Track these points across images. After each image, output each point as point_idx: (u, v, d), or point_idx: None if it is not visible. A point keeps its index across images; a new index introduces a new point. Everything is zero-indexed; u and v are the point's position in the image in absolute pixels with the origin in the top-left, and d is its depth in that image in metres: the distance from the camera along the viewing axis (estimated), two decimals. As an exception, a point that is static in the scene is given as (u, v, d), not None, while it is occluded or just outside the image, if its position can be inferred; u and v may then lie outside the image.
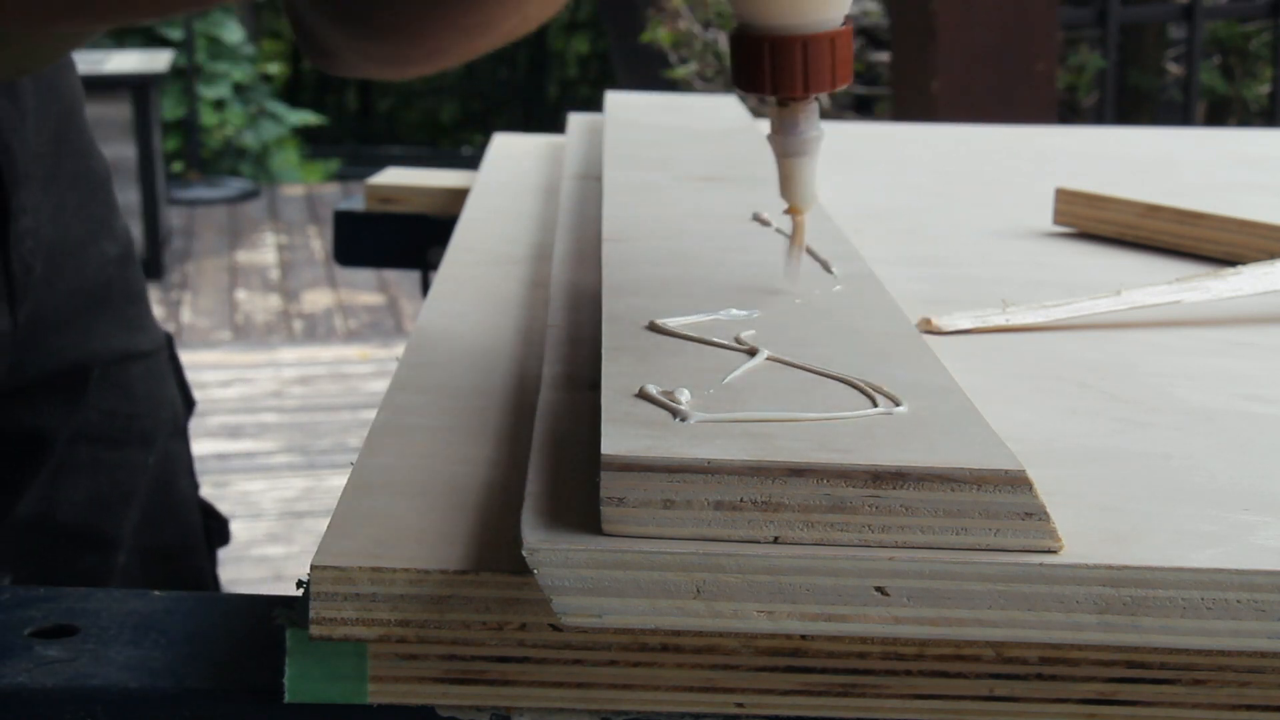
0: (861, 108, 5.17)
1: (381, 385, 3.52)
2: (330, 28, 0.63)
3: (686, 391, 0.45)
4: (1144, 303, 0.67)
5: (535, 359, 0.59)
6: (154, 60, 5.31)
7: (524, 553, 0.39)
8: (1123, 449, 0.50)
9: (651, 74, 4.92)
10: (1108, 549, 0.40)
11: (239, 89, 7.10)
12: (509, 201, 0.94)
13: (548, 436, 0.47)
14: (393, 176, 1.19)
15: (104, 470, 0.88)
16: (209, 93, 6.94)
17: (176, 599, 0.49)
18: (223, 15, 6.84)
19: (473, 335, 0.63)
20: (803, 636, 0.41)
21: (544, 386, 0.52)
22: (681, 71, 4.88)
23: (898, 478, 0.40)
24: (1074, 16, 3.46)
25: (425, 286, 1.12)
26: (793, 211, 0.58)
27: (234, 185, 6.54)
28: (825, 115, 4.96)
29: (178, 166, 6.62)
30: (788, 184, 0.58)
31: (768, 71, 0.54)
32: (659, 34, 4.98)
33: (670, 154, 0.90)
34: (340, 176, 7.79)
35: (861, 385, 0.46)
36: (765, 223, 0.70)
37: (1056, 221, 0.87)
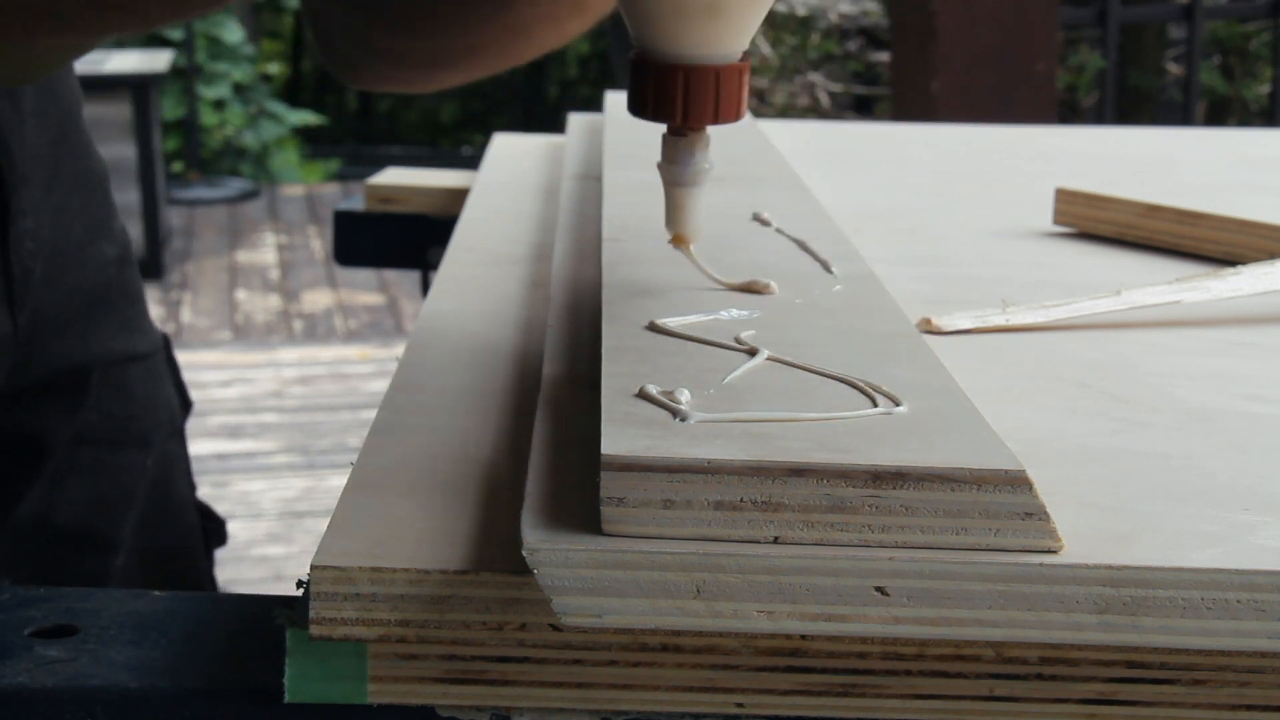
0: (861, 108, 5.17)
1: (381, 385, 3.52)
2: (363, 29, 0.62)
3: (686, 391, 0.45)
4: (1144, 303, 0.67)
5: (535, 359, 0.59)
6: (154, 60, 5.32)
7: (524, 553, 0.39)
8: (1123, 449, 0.50)
9: (651, 74, 4.90)
10: (1108, 549, 0.40)
11: (239, 89, 7.10)
12: (509, 201, 0.94)
13: (548, 436, 0.47)
14: (393, 176, 1.19)
15: (104, 472, 0.88)
16: (209, 93, 6.95)
17: (176, 599, 0.49)
18: (223, 15, 6.84)
19: (473, 335, 0.63)
20: (803, 636, 0.41)
21: (544, 386, 0.52)
22: (681, 71, 4.87)
23: (898, 478, 0.40)
24: (1074, 16, 3.46)
25: (425, 286, 1.12)
26: (679, 242, 0.57)
27: (234, 185, 6.54)
28: (825, 115, 4.96)
29: (178, 166, 6.62)
30: (678, 213, 0.56)
31: (680, 102, 0.53)
32: (659, 34, 4.97)
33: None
34: (340, 176, 7.79)
35: (861, 385, 0.46)
36: (765, 222, 0.70)
37: (1056, 221, 0.87)
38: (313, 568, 0.41)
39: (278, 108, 7.33)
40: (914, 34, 2.92)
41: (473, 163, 1.29)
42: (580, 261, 0.70)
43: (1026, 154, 1.19)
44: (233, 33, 6.98)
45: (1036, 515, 0.40)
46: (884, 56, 4.92)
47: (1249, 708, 0.42)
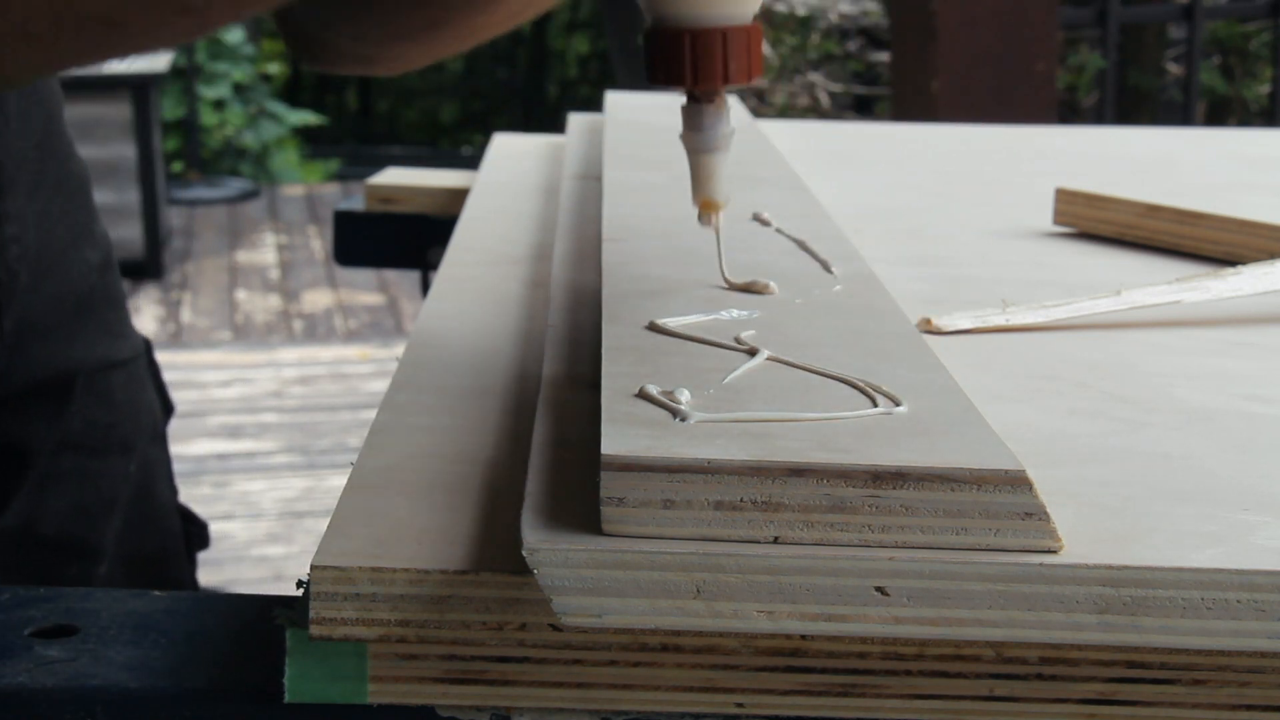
0: (861, 108, 5.17)
1: (381, 385, 3.52)
2: (321, 5, 0.61)
3: (686, 391, 0.45)
4: (1144, 303, 0.67)
5: (535, 359, 0.59)
6: (154, 60, 5.31)
7: (524, 553, 0.39)
8: (1123, 449, 0.50)
9: (652, 74, 4.90)
10: (1107, 549, 0.40)
11: (239, 89, 7.10)
12: (509, 201, 0.94)
13: (548, 436, 0.47)
14: (393, 176, 1.19)
15: (87, 479, 0.87)
16: (209, 93, 6.94)
17: (176, 599, 0.49)
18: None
19: (473, 335, 0.63)
20: (802, 636, 0.41)
21: (544, 386, 0.52)
22: (681, 72, 4.87)
23: (898, 478, 0.40)
24: (1074, 16, 3.46)
25: (425, 286, 1.12)
26: (709, 208, 0.57)
27: (234, 185, 6.54)
28: (825, 115, 4.96)
29: (178, 166, 6.62)
30: (706, 181, 0.57)
31: (688, 64, 0.54)
32: (659, 34, 4.97)
33: (670, 154, 0.89)
34: (340, 176, 7.79)
35: (861, 385, 0.46)
36: (765, 222, 0.70)
37: (1056, 221, 0.87)
38: (312, 568, 0.41)
39: (278, 108, 7.33)
40: (914, 34, 2.92)
41: (473, 163, 1.29)
42: (580, 261, 0.70)
43: (1026, 154, 1.19)
44: (233, 33, 6.98)
45: (1036, 515, 0.40)
46: (884, 56, 4.92)
47: (1249, 708, 0.42)
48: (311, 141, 8.36)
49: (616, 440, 0.41)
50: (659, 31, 0.54)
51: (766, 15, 5.06)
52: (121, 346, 0.91)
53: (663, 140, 0.95)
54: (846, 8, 5.15)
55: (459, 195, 1.10)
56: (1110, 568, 0.39)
